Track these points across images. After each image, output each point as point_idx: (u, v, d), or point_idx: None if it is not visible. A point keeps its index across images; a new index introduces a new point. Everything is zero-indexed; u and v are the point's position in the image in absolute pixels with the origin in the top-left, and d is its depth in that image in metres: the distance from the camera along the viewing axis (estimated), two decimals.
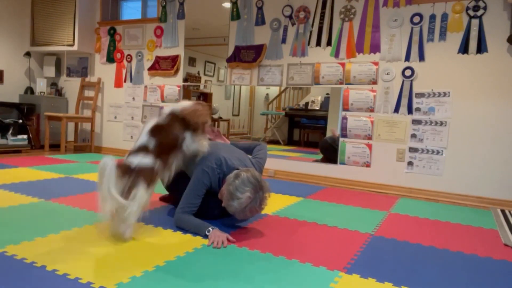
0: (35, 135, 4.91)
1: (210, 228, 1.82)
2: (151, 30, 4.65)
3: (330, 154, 3.71)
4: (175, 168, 1.97)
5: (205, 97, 4.66)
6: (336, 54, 3.59)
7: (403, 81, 3.32)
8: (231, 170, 2.00)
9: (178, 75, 4.49)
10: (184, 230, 1.94)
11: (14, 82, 5.11)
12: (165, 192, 2.73)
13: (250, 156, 2.30)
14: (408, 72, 3.29)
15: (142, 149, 1.79)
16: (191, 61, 4.54)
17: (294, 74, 3.80)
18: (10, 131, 4.56)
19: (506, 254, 1.89)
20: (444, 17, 3.16)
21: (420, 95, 3.26)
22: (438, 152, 3.20)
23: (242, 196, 1.82)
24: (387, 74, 3.38)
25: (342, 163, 3.59)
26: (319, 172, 3.71)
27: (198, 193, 1.96)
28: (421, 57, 3.25)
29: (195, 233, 1.88)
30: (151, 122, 1.95)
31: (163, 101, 4.59)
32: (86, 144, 5.07)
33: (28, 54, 5.09)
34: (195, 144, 2.00)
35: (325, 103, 4.29)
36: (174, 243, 1.75)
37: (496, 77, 3.01)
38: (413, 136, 3.29)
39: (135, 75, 4.79)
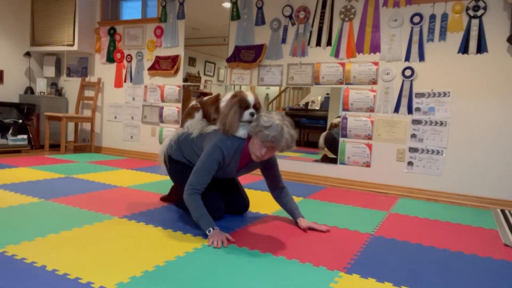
0: (35, 135, 4.91)
1: (211, 228, 1.82)
2: (151, 30, 4.65)
3: (334, 147, 3.68)
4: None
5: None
6: (336, 54, 3.59)
7: (403, 81, 3.32)
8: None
9: (178, 75, 4.49)
10: (189, 212, 1.96)
11: (14, 82, 5.11)
12: (165, 193, 2.73)
13: None
14: (408, 72, 3.29)
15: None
16: (191, 61, 4.54)
17: (294, 74, 3.80)
18: (10, 131, 4.56)
19: (506, 254, 1.89)
20: (444, 17, 3.16)
21: (420, 95, 3.26)
22: (438, 152, 3.20)
23: (272, 120, 1.83)
24: (387, 74, 3.38)
25: (342, 163, 3.59)
26: (319, 172, 3.71)
27: (209, 169, 1.91)
28: (421, 57, 3.25)
29: (197, 223, 1.87)
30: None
31: (163, 101, 4.59)
32: (86, 144, 5.07)
33: (28, 54, 5.09)
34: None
35: (325, 103, 4.29)
36: (174, 243, 1.75)
37: (496, 77, 3.00)
38: (413, 136, 3.29)
39: (135, 75, 4.79)
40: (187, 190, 1.89)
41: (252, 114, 1.97)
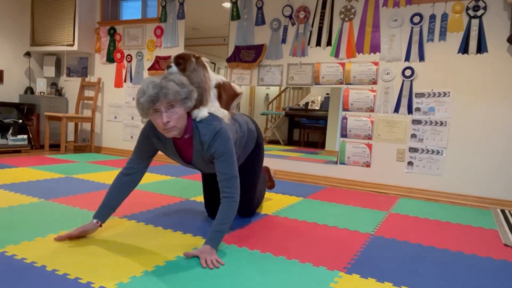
0: (35, 135, 4.91)
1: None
2: (151, 30, 4.65)
3: None
4: None
5: None
6: (336, 54, 3.59)
7: (403, 81, 3.32)
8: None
9: None
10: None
11: (14, 82, 5.11)
12: (165, 192, 2.73)
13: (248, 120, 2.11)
14: (408, 72, 3.29)
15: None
16: None
17: (294, 74, 3.80)
18: (10, 131, 4.56)
19: (506, 254, 1.89)
20: (444, 17, 3.16)
21: (420, 95, 3.26)
22: (438, 152, 3.20)
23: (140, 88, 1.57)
24: (387, 74, 3.38)
25: (342, 163, 3.59)
26: (319, 172, 3.71)
27: (137, 146, 1.79)
28: (421, 57, 3.25)
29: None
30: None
31: None
32: (86, 144, 5.07)
33: (28, 54, 5.09)
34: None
35: (325, 103, 4.30)
36: (174, 243, 1.75)
37: (496, 77, 3.01)
38: (413, 136, 3.29)
39: (135, 75, 4.79)
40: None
41: (168, 67, 1.77)
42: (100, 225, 1.75)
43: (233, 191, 1.66)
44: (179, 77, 1.62)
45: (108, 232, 1.85)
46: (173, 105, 1.56)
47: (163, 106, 1.54)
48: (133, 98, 4.81)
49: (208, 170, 1.89)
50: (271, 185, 2.69)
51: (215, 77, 1.83)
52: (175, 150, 1.78)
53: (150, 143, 1.78)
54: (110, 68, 5.00)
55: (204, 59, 1.84)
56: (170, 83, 1.55)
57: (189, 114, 1.69)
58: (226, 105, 1.86)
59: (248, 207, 2.22)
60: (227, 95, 1.87)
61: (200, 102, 1.70)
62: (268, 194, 2.94)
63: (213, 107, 1.77)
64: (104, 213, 1.75)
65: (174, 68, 1.76)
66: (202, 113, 1.70)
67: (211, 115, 1.72)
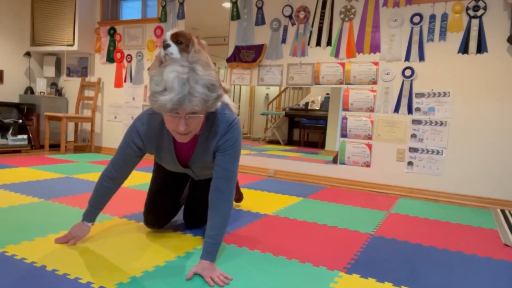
0: (35, 135, 4.91)
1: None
2: (151, 30, 4.65)
3: None
4: None
5: None
6: (336, 54, 3.59)
7: (403, 81, 3.32)
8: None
9: None
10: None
11: (14, 82, 5.11)
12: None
13: None
14: (408, 72, 3.29)
15: None
16: None
17: (294, 74, 3.80)
18: (10, 131, 4.56)
19: (506, 254, 1.89)
20: (444, 17, 3.16)
21: (420, 95, 3.26)
22: (438, 152, 3.20)
23: (163, 76, 1.24)
24: (387, 74, 3.38)
25: (342, 163, 3.59)
26: (319, 172, 3.71)
27: (121, 154, 1.56)
28: (421, 57, 3.25)
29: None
30: None
31: None
32: (86, 144, 5.07)
33: (28, 54, 5.09)
34: None
35: (325, 103, 4.30)
36: (174, 243, 1.75)
37: (496, 77, 3.01)
38: (413, 136, 3.28)
39: (135, 75, 4.79)
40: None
41: (165, 47, 1.48)
42: (93, 224, 1.71)
43: (231, 193, 1.48)
44: (211, 74, 1.28)
45: (108, 232, 1.85)
46: (196, 114, 1.29)
47: (184, 113, 1.27)
48: (133, 98, 4.80)
49: (202, 172, 1.68)
50: (238, 198, 2.48)
51: None
52: (174, 150, 1.54)
53: (136, 151, 1.52)
54: (110, 68, 5.00)
55: (203, 41, 1.62)
56: (198, 87, 1.24)
57: None
58: None
59: (203, 217, 1.80)
60: None
61: None
62: (268, 194, 2.95)
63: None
64: (94, 215, 1.69)
65: (173, 48, 1.49)
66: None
67: (222, 103, 1.50)
